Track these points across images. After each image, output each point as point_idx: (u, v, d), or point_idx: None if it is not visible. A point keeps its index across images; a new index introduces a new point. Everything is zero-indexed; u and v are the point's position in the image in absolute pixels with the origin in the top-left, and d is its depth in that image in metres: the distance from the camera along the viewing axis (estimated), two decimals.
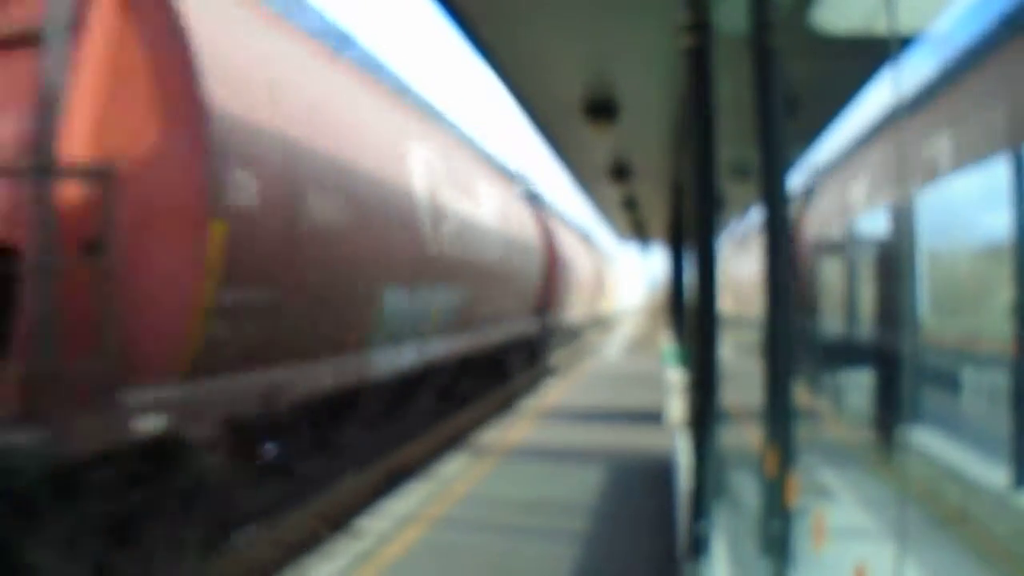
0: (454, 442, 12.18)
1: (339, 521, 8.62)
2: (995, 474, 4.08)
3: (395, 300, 9.59)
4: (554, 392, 16.86)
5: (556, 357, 27.33)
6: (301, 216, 7.01)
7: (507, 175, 21.83)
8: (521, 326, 19.02)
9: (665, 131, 8.18)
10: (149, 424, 5.53)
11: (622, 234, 25.68)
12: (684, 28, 2.98)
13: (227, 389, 6.37)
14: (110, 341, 5.19)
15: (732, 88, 3.28)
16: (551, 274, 21.63)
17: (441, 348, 12.32)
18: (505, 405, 16.81)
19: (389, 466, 11.32)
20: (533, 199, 22.07)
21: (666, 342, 18.58)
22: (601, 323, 40.61)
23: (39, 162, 5.15)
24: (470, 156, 15.84)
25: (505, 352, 18.83)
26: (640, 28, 5.35)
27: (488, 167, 17.74)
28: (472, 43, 5.76)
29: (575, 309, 27.47)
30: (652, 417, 12.28)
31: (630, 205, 15.14)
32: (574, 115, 7.40)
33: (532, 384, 20.46)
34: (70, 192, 5.24)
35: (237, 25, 6.87)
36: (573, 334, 31.02)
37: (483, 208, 14.40)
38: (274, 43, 7.53)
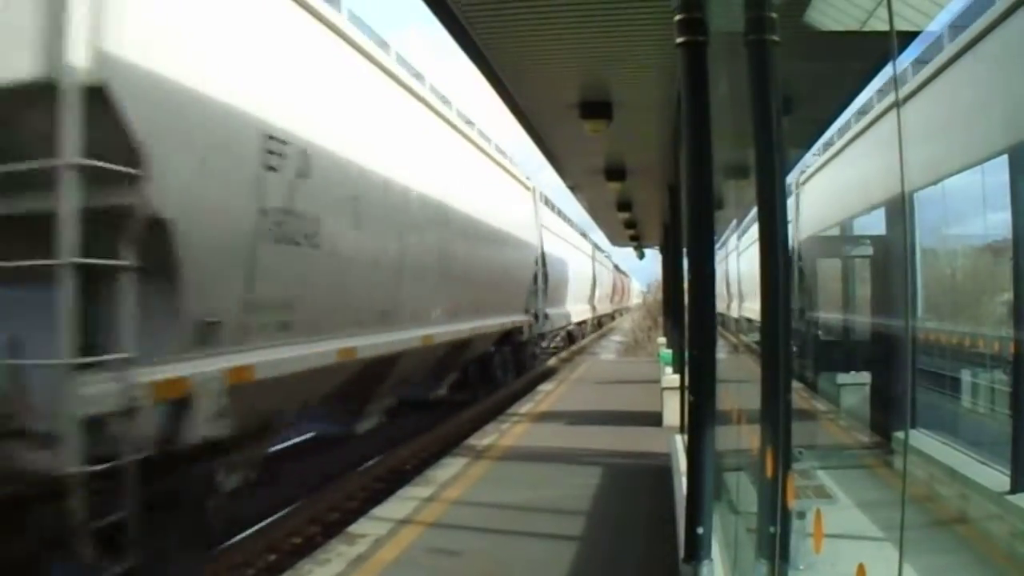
0: (450, 446, 12.12)
1: (333, 525, 8.58)
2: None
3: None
4: (554, 393, 16.83)
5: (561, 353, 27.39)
6: None
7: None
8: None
9: (660, 131, 8.16)
10: None
11: (615, 239, 25.69)
12: (678, 23, 2.95)
13: None
14: None
15: (728, 86, 3.25)
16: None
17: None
18: (502, 407, 16.80)
19: (384, 469, 11.28)
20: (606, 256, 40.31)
21: (663, 342, 18.59)
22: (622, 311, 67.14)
23: None
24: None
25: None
26: (636, 28, 5.33)
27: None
28: (465, 44, 5.72)
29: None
30: (651, 419, 12.26)
31: (624, 207, 15.12)
32: (568, 115, 7.37)
33: (530, 386, 20.44)
34: None
35: None
36: (610, 316, 56.01)
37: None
38: None
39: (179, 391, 5.88)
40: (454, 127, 13.19)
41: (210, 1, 6.41)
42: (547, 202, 24.82)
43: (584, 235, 34.62)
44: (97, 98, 5.12)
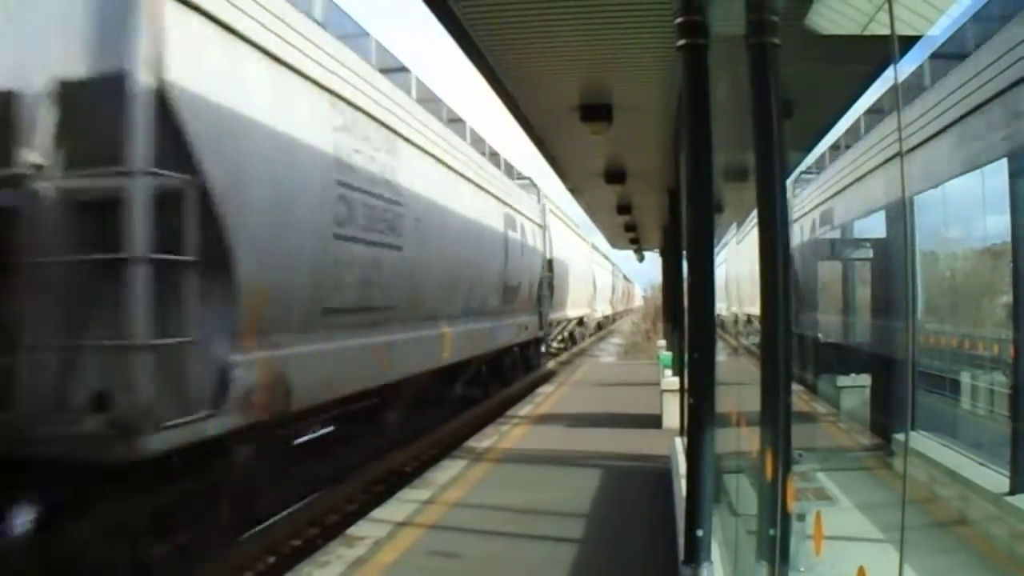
0: (449, 448, 12.13)
1: (332, 527, 8.58)
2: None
3: None
4: (554, 395, 16.83)
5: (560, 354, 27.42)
6: None
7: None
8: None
9: (661, 134, 8.16)
10: None
11: (615, 242, 25.69)
12: (679, 26, 2.95)
13: None
14: None
15: (729, 89, 3.26)
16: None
17: None
18: (502, 410, 16.79)
19: (383, 471, 11.27)
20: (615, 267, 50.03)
21: (663, 344, 18.59)
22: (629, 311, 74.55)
23: None
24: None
25: None
26: (637, 31, 5.34)
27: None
28: (466, 46, 5.73)
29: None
30: (650, 422, 12.26)
31: (624, 210, 15.12)
32: (569, 118, 7.37)
33: (530, 388, 20.44)
34: None
35: None
36: (620, 314, 65.50)
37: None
38: None
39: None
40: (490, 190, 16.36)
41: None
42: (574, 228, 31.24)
43: (595, 247, 40.33)
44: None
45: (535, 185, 23.25)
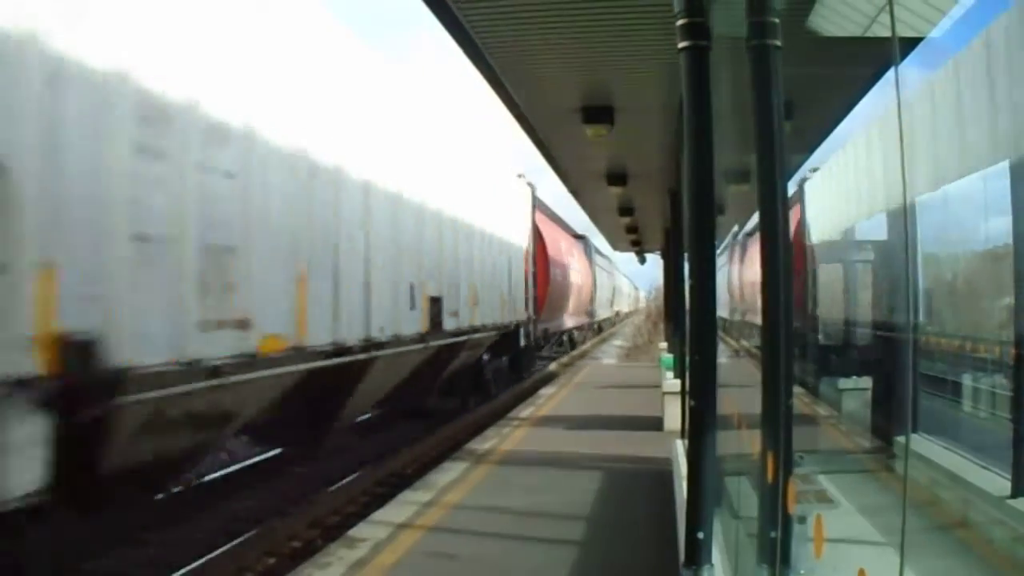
0: (450, 450, 12.12)
1: (333, 529, 8.57)
2: None
3: None
4: (555, 397, 16.82)
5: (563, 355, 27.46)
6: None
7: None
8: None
9: (662, 136, 8.16)
10: None
11: (617, 244, 25.70)
12: (681, 28, 2.95)
13: None
14: None
15: (730, 91, 3.25)
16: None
17: None
18: (503, 412, 16.80)
19: (384, 473, 11.26)
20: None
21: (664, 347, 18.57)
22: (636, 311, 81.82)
23: None
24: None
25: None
26: (638, 32, 5.34)
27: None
28: (468, 48, 5.73)
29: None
30: (651, 424, 12.25)
31: (626, 212, 15.13)
32: (570, 120, 7.38)
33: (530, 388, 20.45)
34: None
35: None
36: (629, 312, 75.76)
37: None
38: None
39: None
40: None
41: None
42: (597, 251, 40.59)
43: (609, 259, 49.64)
44: None
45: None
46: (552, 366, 27.29)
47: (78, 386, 5.46)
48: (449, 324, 13.32)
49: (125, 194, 5.93)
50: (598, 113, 7.25)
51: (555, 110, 7.39)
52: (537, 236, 22.73)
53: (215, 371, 6.81)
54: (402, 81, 11.94)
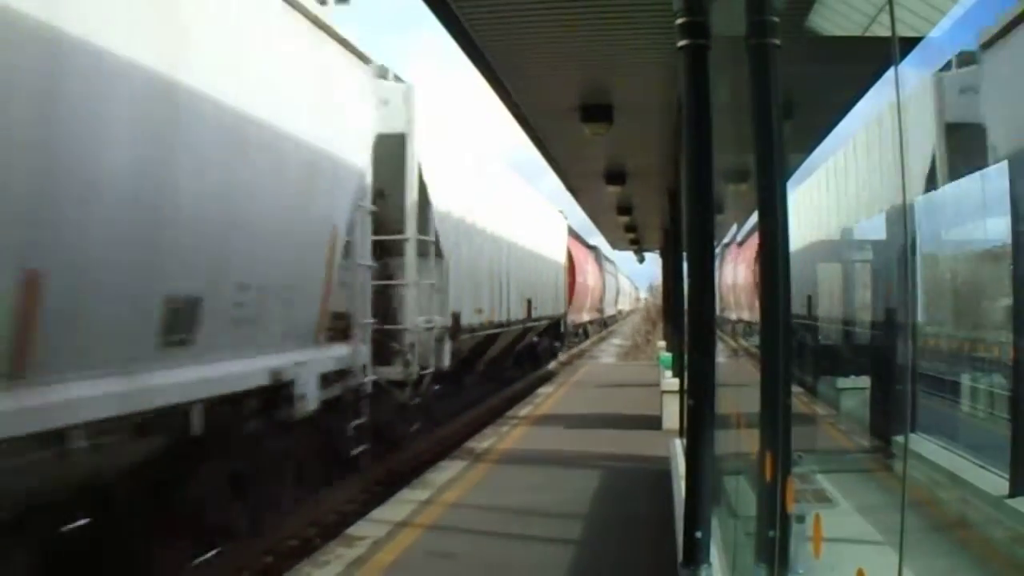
0: (448, 449, 12.12)
1: (331, 527, 8.57)
2: None
3: None
4: (553, 396, 16.83)
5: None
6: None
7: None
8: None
9: (661, 135, 8.16)
10: None
11: (616, 243, 25.73)
12: (680, 26, 2.94)
13: None
14: None
15: (729, 90, 3.25)
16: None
17: None
18: (502, 410, 16.82)
19: (382, 472, 11.26)
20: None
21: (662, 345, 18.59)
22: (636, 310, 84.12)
23: None
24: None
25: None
26: (637, 31, 5.33)
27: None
28: (466, 46, 5.73)
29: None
30: (650, 423, 12.26)
31: (624, 211, 15.13)
32: (569, 118, 7.37)
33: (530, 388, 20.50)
34: None
35: None
36: (630, 311, 78.60)
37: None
38: None
39: None
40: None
41: None
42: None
43: (613, 263, 54.99)
44: None
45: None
46: (551, 365, 27.31)
47: None
48: (533, 314, 21.61)
49: None
50: (597, 112, 7.24)
51: (554, 108, 7.38)
52: (568, 255, 29.67)
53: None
54: (518, 181, 21.00)
